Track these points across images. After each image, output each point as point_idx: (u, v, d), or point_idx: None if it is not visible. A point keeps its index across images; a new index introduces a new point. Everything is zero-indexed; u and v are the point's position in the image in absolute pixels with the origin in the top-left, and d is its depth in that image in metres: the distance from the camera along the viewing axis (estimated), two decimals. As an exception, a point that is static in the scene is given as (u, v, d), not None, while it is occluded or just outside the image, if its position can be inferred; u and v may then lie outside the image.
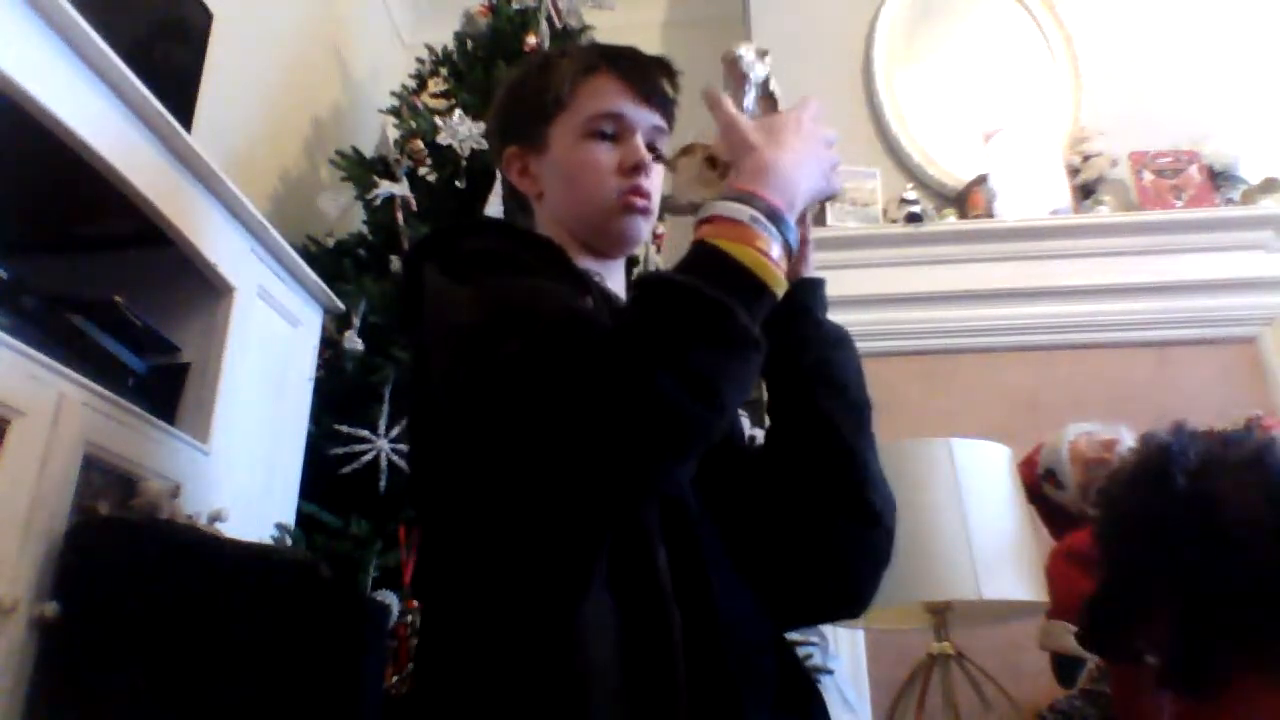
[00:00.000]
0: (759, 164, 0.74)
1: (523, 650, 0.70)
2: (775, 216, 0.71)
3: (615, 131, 0.93)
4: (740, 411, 1.06)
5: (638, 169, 0.92)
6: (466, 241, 0.82)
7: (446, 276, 0.78)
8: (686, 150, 0.85)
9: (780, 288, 0.70)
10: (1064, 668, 1.76)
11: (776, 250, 0.70)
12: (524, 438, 0.64)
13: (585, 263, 0.95)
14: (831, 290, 0.94)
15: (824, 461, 0.86)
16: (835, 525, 0.86)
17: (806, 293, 0.90)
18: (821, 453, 0.86)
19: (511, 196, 1.04)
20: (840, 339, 0.91)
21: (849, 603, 0.92)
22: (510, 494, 0.70)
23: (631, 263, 1.54)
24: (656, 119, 0.95)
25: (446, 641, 0.77)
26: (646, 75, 0.95)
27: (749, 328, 0.66)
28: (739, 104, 0.83)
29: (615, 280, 0.98)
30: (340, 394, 1.85)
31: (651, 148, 0.94)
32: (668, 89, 0.97)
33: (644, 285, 0.70)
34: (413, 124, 2.25)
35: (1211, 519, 0.71)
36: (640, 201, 0.92)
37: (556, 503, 0.66)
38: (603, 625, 0.70)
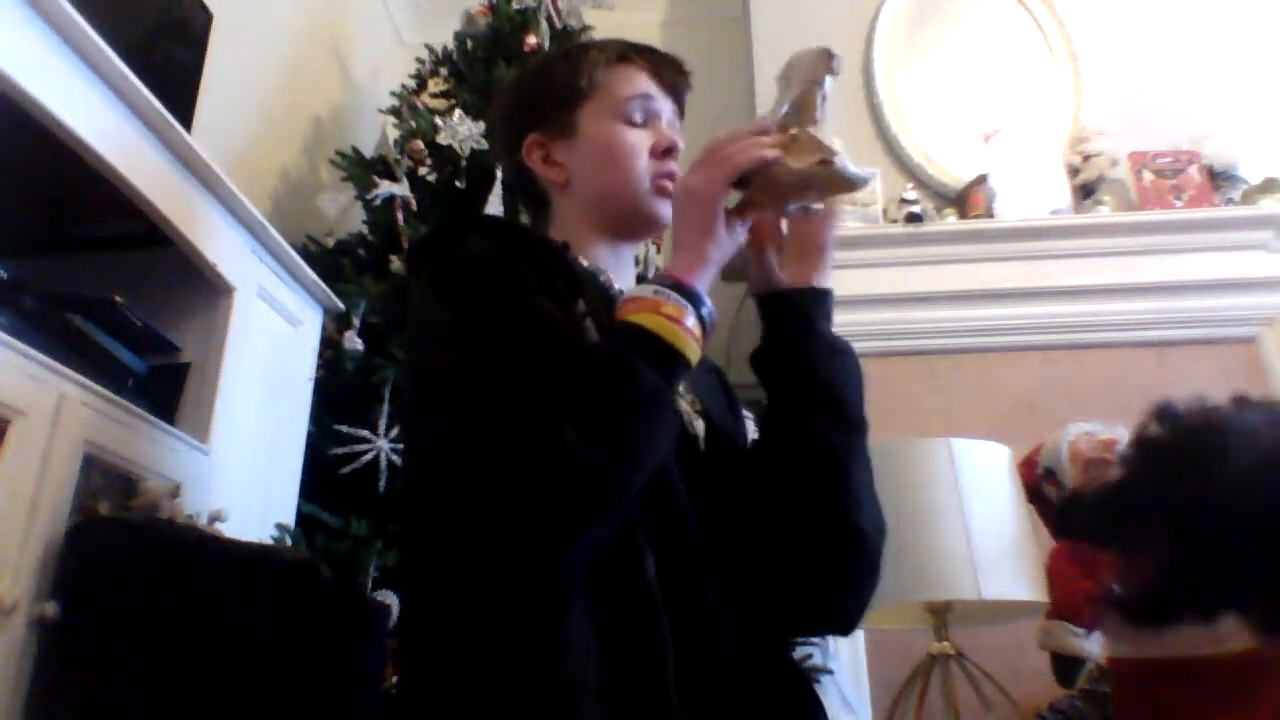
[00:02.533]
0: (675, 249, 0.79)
1: (504, 661, 0.69)
2: (683, 291, 0.74)
3: (644, 116, 0.96)
4: (745, 414, 1.06)
5: (670, 152, 0.95)
6: (463, 245, 0.82)
7: (434, 292, 0.79)
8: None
9: (690, 350, 0.72)
10: (1064, 668, 1.76)
11: (689, 319, 0.73)
12: (451, 496, 0.67)
13: (600, 252, 0.95)
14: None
15: (807, 479, 0.85)
16: (816, 544, 0.85)
17: (809, 301, 0.89)
18: (806, 470, 0.85)
19: (524, 191, 1.04)
20: (838, 351, 0.89)
21: (833, 620, 0.92)
22: (446, 537, 0.72)
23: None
24: (676, 110, 0.99)
25: (426, 647, 0.76)
26: (669, 67, 0.99)
27: (656, 384, 0.69)
28: (800, 101, 0.81)
29: (625, 271, 0.99)
30: (340, 394, 1.85)
31: None
32: (683, 88, 1.01)
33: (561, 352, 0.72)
34: (413, 124, 2.25)
35: (1216, 469, 0.71)
36: (671, 185, 0.94)
37: (482, 557, 0.68)
38: (588, 635, 0.69)
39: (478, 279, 0.78)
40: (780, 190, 0.81)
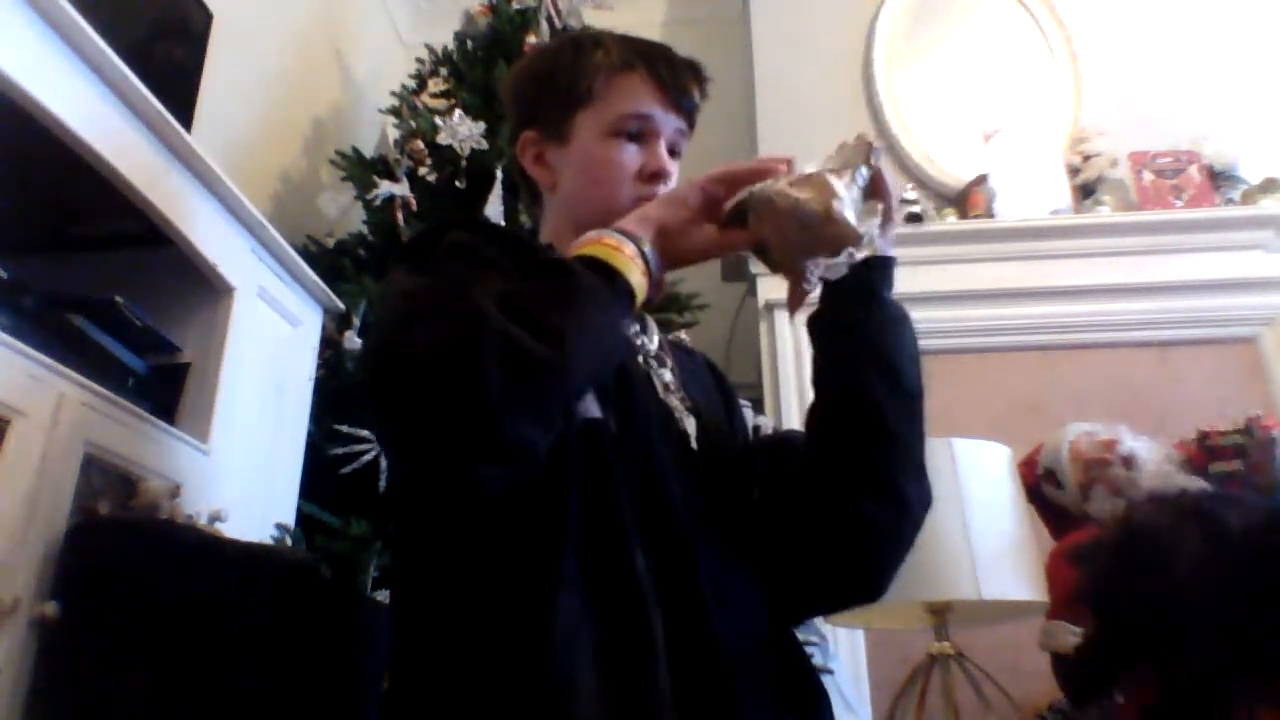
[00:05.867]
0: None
1: (495, 658, 0.70)
2: (619, 231, 0.77)
3: (640, 132, 0.92)
4: (743, 403, 1.06)
5: (657, 176, 0.92)
6: (445, 236, 0.82)
7: (408, 270, 0.79)
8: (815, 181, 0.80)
9: (629, 271, 0.74)
10: (1064, 668, 1.76)
11: (629, 249, 0.75)
12: (392, 387, 0.68)
13: None
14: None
15: (860, 443, 0.85)
16: (864, 510, 0.85)
17: (873, 269, 0.87)
18: (859, 433, 0.85)
19: (522, 183, 1.03)
20: (897, 320, 0.89)
21: (866, 589, 0.92)
22: (402, 460, 0.74)
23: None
24: (681, 124, 0.95)
25: (419, 643, 0.77)
26: (679, 79, 0.95)
27: (593, 283, 0.71)
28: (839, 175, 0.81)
29: None
30: (340, 394, 1.85)
31: (672, 151, 0.95)
32: (696, 95, 0.97)
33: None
34: (413, 124, 2.25)
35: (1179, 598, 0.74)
36: None
37: (425, 456, 0.68)
38: (578, 631, 0.69)
39: (451, 258, 0.78)
40: (777, 220, 0.78)
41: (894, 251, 0.88)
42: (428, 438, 0.65)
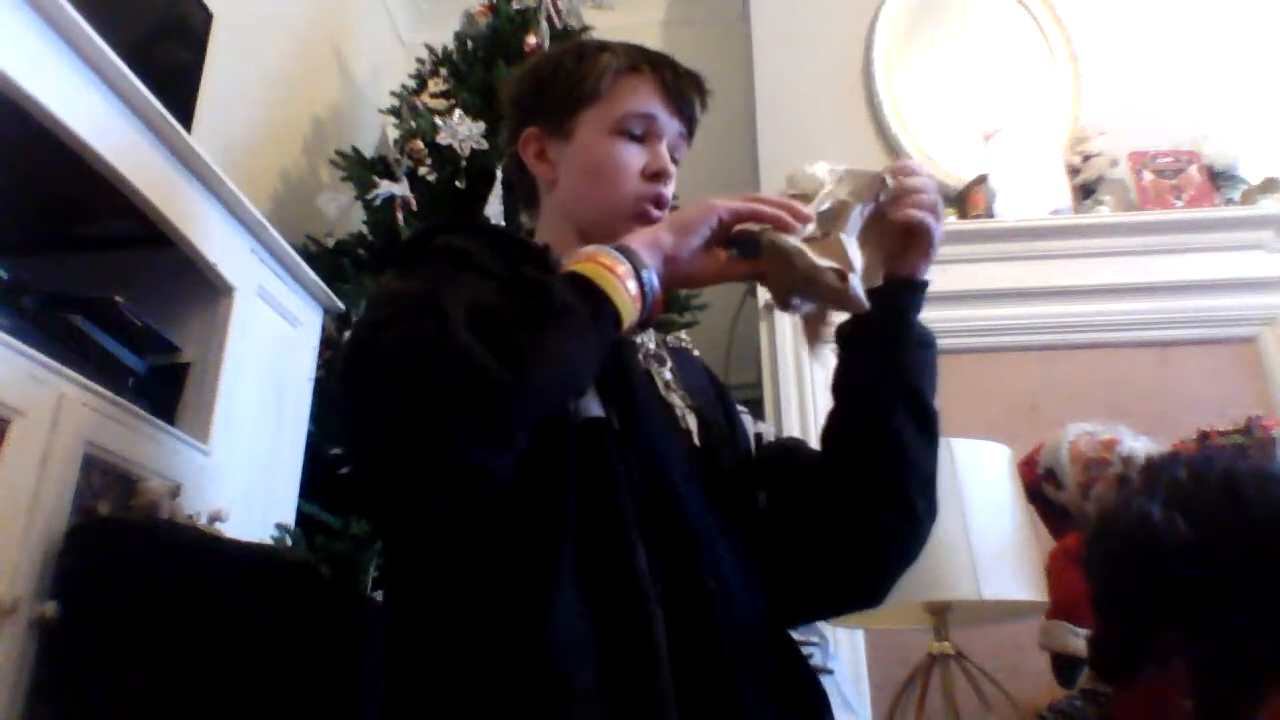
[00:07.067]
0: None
1: (494, 659, 0.69)
2: (622, 249, 0.74)
3: (643, 133, 0.93)
4: (741, 408, 1.06)
5: (660, 176, 0.92)
6: (436, 239, 0.82)
7: (398, 274, 0.79)
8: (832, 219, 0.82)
9: (616, 295, 0.71)
10: (1064, 668, 1.76)
11: (622, 268, 0.72)
12: (351, 391, 0.67)
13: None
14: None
15: (878, 462, 0.86)
16: (876, 520, 0.86)
17: (908, 293, 0.89)
18: (877, 453, 0.86)
19: (518, 183, 1.03)
20: (927, 343, 0.90)
21: (869, 595, 0.94)
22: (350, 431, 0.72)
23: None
24: (682, 129, 0.96)
25: (417, 644, 0.76)
26: (682, 85, 0.95)
27: (567, 302, 0.68)
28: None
29: None
30: (340, 394, 1.85)
31: (671, 156, 0.95)
32: (697, 104, 0.97)
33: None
34: (413, 124, 2.25)
35: (1209, 560, 0.73)
36: (655, 211, 0.92)
37: (374, 467, 0.68)
38: (577, 631, 0.69)
39: (438, 263, 0.77)
40: (788, 272, 0.80)
41: (927, 276, 0.90)
42: (378, 449, 0.65)
